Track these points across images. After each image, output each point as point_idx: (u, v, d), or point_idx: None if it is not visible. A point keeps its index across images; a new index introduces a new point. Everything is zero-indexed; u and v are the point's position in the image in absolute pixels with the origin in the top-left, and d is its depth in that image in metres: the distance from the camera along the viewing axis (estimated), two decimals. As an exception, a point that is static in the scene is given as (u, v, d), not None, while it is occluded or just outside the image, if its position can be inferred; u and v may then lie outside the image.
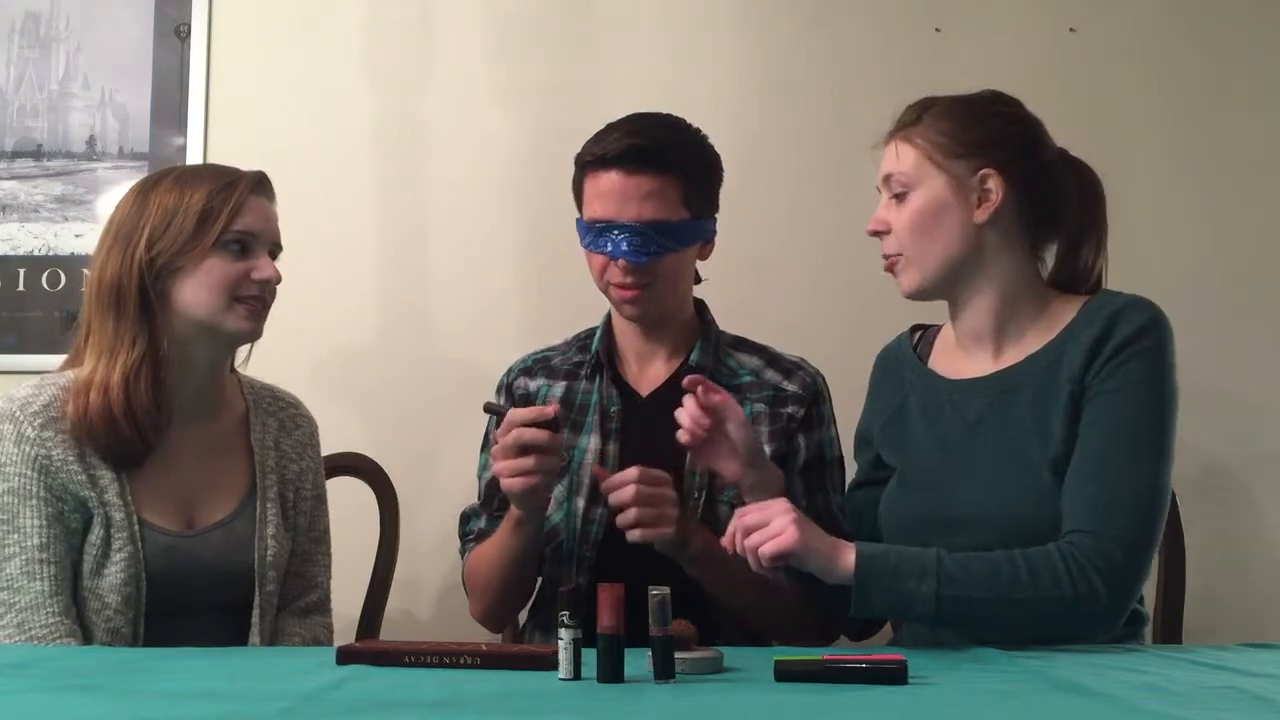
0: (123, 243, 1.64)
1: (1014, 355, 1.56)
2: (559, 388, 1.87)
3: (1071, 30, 2.51)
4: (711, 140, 1.86)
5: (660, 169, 1.76)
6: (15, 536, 1.57)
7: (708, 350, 1.86)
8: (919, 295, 1.59)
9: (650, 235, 1.75)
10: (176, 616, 1.63)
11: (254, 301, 1.67)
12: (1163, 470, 1.44)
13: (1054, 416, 1.48)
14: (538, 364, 1.92)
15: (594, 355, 1.88)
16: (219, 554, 1.68)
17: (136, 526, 1.62)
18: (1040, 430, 1.49)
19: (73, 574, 1.60)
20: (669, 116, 1.85)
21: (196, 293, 1.64)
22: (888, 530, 1.60)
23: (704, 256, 1.88)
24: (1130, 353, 1.46)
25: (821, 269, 2.45)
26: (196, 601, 1.66)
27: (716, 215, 1.87)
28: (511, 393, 1.91)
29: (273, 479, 1.75)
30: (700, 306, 1.93)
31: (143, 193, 1.68)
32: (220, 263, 1.64)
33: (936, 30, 2.51)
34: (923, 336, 1.72)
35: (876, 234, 1.59)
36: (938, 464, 1.57)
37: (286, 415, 1.83)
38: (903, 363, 1.69)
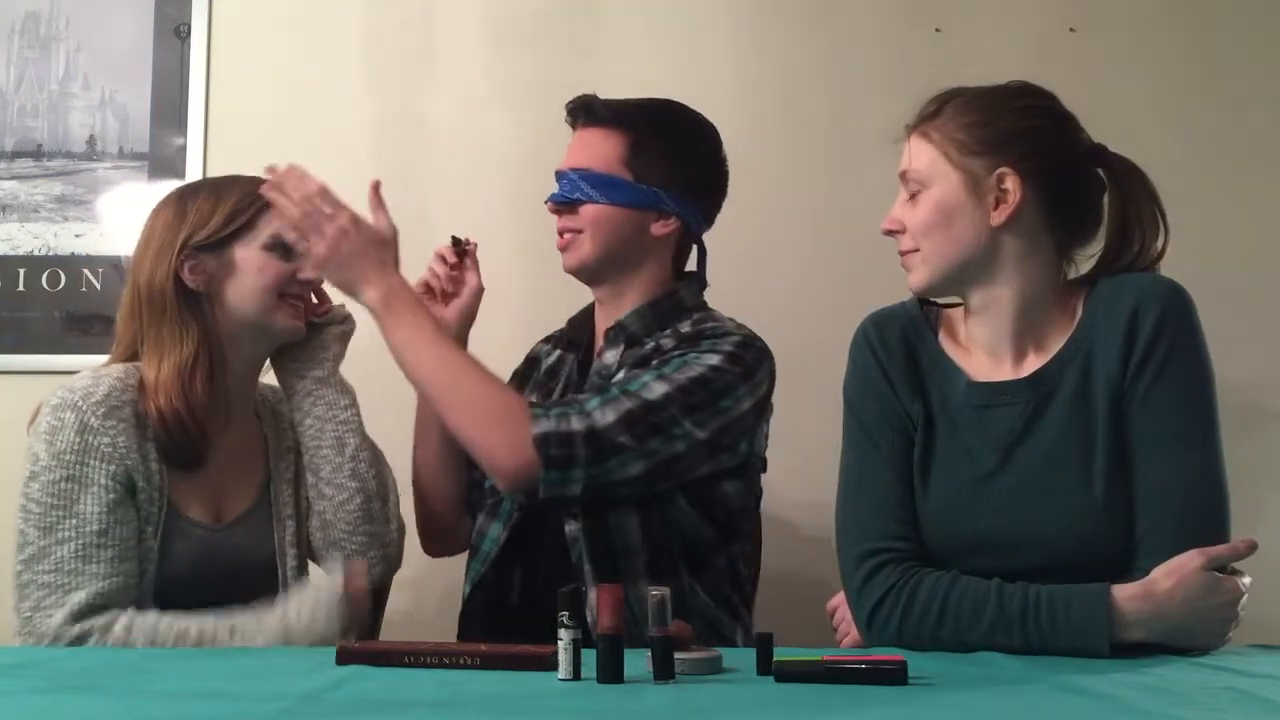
0: (166, 247, 1.70)
1: (1037, 359, 1.46)
2: (554, 357, 1.95)
3: (1071, 30, 2.51)
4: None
5: (601, 123, 1.84)
6: (72, 522, 1.58)
7: (645, 315, 1.82)
8: (927, 293, 1.51)
9: (575, 181, 1.82)
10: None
11: (298, 301, 1.77)
12: (1220, 465, 1.39)
13: (1096, 423, 1.40)
14: (557, 334, 2.00)
15: (565, 328, 1.96)
16: (244, 546, 1.73)
17: (176, 522, 1.66)
18: (1082, 438, 1.40)
19: (140, 559, 1.62)
20: (663, 99, 1.89)
21: (248, 292, 1.72)
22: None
23: (659, 234, 1.82)
24: (1162, 354, 1.38)
25: (820, 269, 2.44)
26: (216, 599, 1.66)
27: (685, 195, 1.83)
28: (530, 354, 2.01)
29: (289, 459, 1.81)
30: (685, 291, 1.86)
31: (180, 199, 1.75)
32: (270, 262, 1.72)
33: (936, 30, 2.51)
34: (933, 313, 1.56)
35: (891, 233, 1.50)
36: (971, 480, 1.44)
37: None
38: (918, 344, 1.52)
